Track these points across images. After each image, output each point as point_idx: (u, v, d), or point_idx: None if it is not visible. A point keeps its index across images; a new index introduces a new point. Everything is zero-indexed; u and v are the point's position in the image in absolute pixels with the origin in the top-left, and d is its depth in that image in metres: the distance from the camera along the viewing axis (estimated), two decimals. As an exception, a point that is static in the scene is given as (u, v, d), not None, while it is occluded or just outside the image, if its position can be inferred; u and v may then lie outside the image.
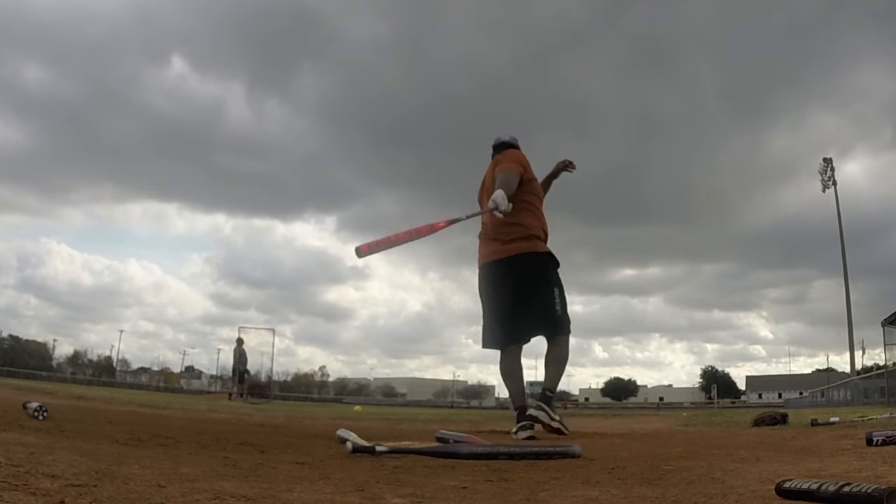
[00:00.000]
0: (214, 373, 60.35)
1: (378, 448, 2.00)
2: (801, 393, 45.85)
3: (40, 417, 2.56)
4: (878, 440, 2.25)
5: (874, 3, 66.74)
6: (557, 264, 3.72)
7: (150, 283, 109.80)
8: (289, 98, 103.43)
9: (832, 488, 1.12)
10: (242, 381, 17.60)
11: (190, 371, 75.47)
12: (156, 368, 71.95)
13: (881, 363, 27.35)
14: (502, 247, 3.59)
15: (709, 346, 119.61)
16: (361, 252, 2.94)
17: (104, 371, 64.64)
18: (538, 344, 3.69)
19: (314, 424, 4.64)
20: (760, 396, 71.07)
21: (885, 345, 23.09)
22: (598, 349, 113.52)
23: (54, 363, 62.62)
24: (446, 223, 3.13)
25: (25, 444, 1.64)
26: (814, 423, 3.98)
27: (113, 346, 71.95)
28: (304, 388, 71.37)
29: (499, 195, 3.24)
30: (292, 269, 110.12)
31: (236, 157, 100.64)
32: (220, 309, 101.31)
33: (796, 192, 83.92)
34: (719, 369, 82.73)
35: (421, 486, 1.38)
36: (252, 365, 20.55)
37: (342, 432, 2.53)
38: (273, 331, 24.10)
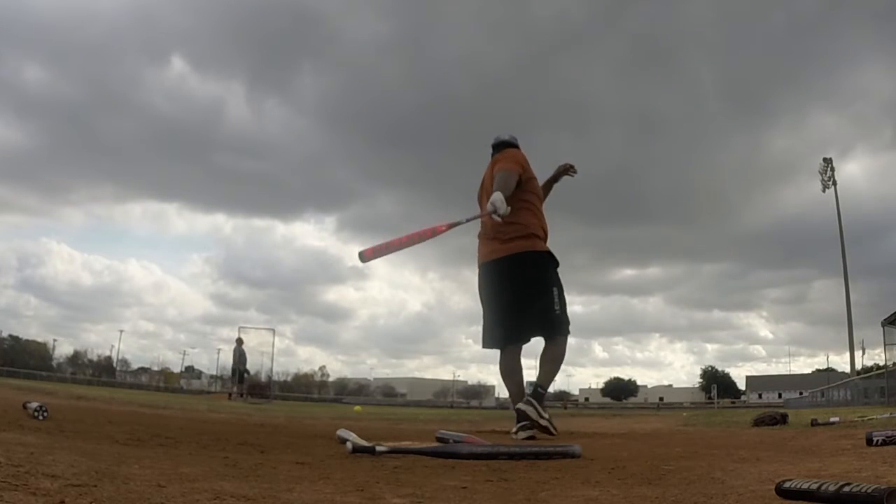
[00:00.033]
0: (214, 373, 60.30)
1: (378, 448, 2.00)
2: (801, 393, 45.87)
3: (40, 417, 2.56)
4: (878, 440, 2.25)
5: (874, 3, 66.81)
6: (557, 264, 3.71)
7: (150, 283, 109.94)
8: (289, 98, 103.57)
9: (832, 488, 1.12)
10: (242, 380, 17.61)
11: (190, 371, 75.49)
12: (156, 368, 72.04)
13: (881, 363, 27.38)
14: (501, 245, 3.59)
15: (709, 346, 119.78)
16: (365, 257, 2.94)
17: (104, 371, 64.62)
18: (538, 344, 3.68)
19: (314, 424, 4.64)
20: (760, 396, 71.07)
21: (885, 345, 23.10)
22: (598, 349, 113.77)
23: (54, 363, 62.62)
24: (447, 226, 3.13)
25: (25, 444, 1.64)
26: (814, 424, 3.98)
27: (113, 346, 72.05)
28: (304, 388, 71.36)
29: (497, 199, 3.23)
30: (292, 269, 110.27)
31: (236, 157, 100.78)
32: (220, 309, 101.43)
33: (796, 192, 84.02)
34: (719, 369, 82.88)
35: (421, 486, 1.38)
36: (252, 365, 20.57)
37: (342, 432, 2.54)
38: (273, 331, 24.08)
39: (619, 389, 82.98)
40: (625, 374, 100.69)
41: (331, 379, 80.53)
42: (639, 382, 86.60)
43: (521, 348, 3.72)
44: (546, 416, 3.44)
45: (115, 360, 68.60)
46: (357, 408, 11.28)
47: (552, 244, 3.76)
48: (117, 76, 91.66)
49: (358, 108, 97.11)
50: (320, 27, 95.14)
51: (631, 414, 13.20)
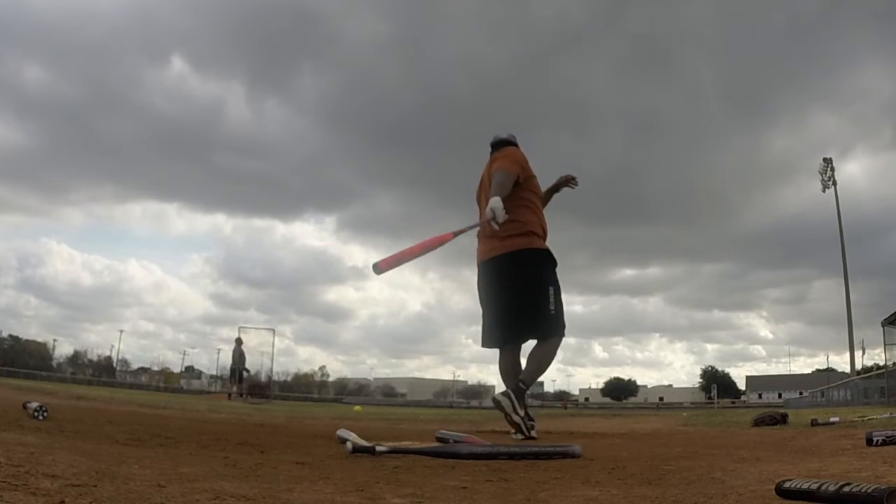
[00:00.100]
0: (214, 373, 60.28)
1: (378, 448, 2.00)
2: (801, 393, 45.86)
3: (40, 417, 2.56)
4: (878, 440, 2.25)
5: (874, 3, 66.82)
6: (555, 263, 3.70)
7: (150, 283, 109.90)
8: (289, 98, 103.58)
9: (832, 488, 1.12)
10: (241, 380, 17.61)
11: (190, 371, 75.50)
12: (156, 368, 72.03)
13: (881, 363, 27.36)
14: (499, 243, 3.58)
15: (709, 346, 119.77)
16: (379, 269, 2.94)
17: (104, 371, 64.60)
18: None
19: (314, 424, 4.65)
20: (760, 396, 71.09)
21: (885, 345, 23.08)
22: (598, 349, 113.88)
23: (54, 363, 62.59)
24: (453, 235, 3.17)
25: (25, 444, 1.64)
26: (814, 424, 3.98)
27: (113, 346, 72.04)
28: (304, 388, 71.35)
29: (496, 206, 3.22)
30: (292, 269, 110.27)
31: (236, 157, 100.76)
32: (220, 309, 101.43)
33: (796, 192, 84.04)
34: (719, 369, 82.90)
35: (421, 486, 1.38)
36: (252, 365, 20.54)
37: (342, 432, 2.54)
38: (273, 331, 24.03)
39: (619, 389, 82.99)
40: (625, 374, 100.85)
41: (331, 379, 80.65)
42: (639, 382, 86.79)
43: (520, 347, 3.70)
44: (521, 412, 3.31)
45: (115, 360, 68.69)
46: (357, 408, 11.28)
47: (552, 244, 3.75)
48: (117, 76, 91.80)
49: (358, 108, 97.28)
50: (320, 27, 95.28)
51: (631, 414, 13.21)
